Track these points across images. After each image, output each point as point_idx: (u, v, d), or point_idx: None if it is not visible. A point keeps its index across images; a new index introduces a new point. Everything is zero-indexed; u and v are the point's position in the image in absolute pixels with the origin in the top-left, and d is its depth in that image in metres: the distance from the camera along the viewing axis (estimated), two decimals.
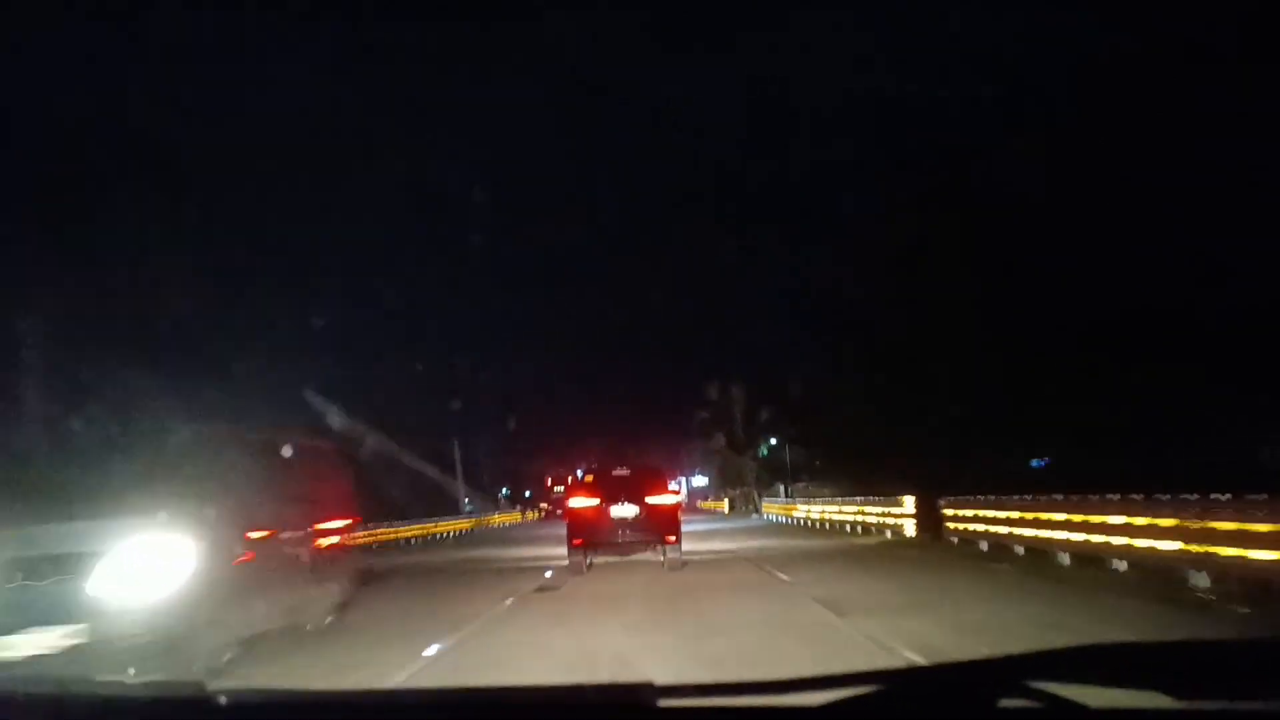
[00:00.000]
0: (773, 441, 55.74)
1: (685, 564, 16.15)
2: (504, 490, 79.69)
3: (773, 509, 43.86)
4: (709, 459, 66.32)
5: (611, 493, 16.31)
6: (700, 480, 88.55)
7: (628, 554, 16.68)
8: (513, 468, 77.21)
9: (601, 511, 16.08)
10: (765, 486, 54.15)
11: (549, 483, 78.16)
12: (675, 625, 8.67)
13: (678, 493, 22.83)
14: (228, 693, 1.45)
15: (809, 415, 42.00)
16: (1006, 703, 1.22)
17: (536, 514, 70.42)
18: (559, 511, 62.61)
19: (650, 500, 16.12)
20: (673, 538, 15.87)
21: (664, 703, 1.36)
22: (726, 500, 64.11)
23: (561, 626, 9.00)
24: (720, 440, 61.87)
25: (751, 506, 54.02)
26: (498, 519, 56.37)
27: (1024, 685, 1.22)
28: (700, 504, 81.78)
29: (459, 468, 55.59)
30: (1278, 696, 1.16)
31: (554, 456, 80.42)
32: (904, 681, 1.30)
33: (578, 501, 16.59)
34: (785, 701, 1.31)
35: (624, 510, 16.02)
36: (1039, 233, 23.55)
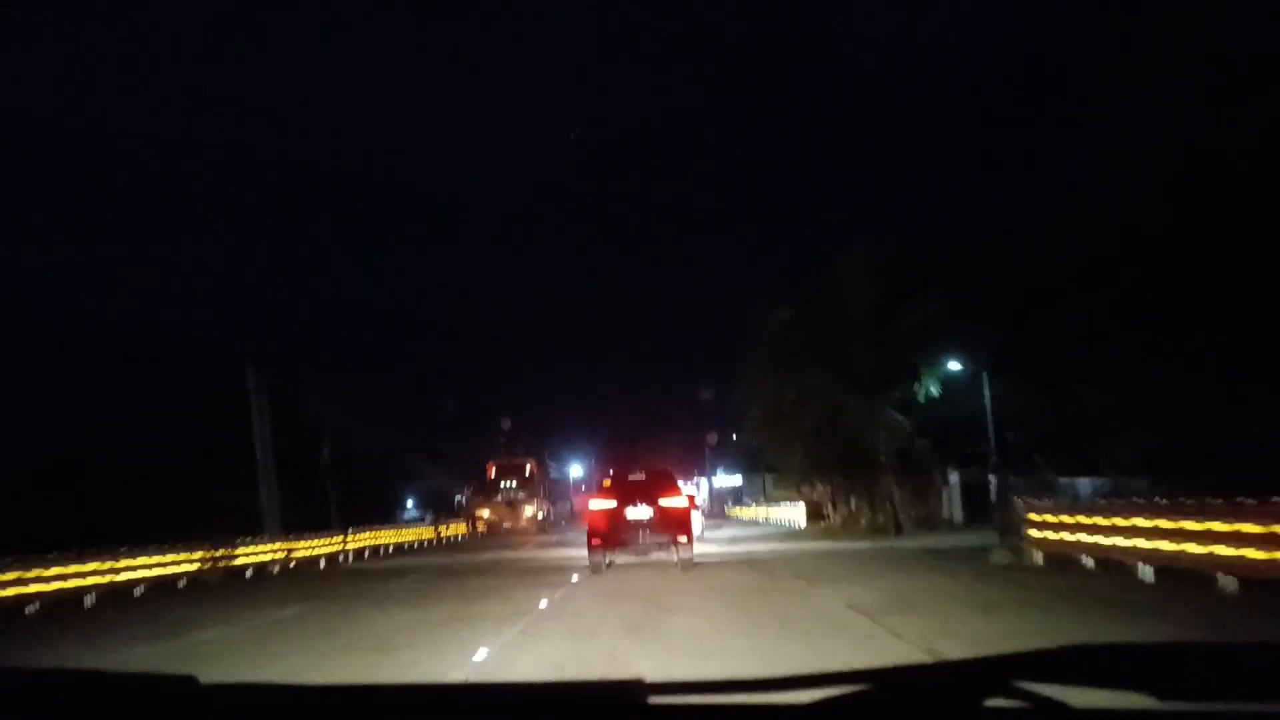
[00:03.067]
0: (953, 367, 24.79)
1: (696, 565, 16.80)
2: (466, 490, 56.25)
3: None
4: (780, 427, 29.80)
5: (627, 495, 17.18)
6: (729, 479, 57.90)
7: (644, 554, 17.52)
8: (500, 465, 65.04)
9: (618, 514, 16.94)
10: (920, 476, 27.27)
11: (491, 472, 49.76)
12: None
13: (693, 495, 23.41)
14: (217, 684, 1.45)
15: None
16: (992, 702, 1.24)
17: (465, 527, 44.84)
18: (507, 526, 43.91)
19: (664, 502, 16.96)
20: (684, 538, 16.76)
21: (654, 699, 1.37)
22: (803, 504, 33.89)
23: None
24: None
25: (888, 519, 26.84)
26: (305, 546, 26.08)
27: (1010, 685, 1.23)
28: (731, 510, 53.58)
29: (260, 436, 29.68)
30: (1262, 698, 1.18)
31: (543, 449, 57.74)
32: (892, 680, 1.32)
33: (596, 504, 17.58)
34: (774, 699, 1.32)
35: (639, 512, 16.91)
36: None
